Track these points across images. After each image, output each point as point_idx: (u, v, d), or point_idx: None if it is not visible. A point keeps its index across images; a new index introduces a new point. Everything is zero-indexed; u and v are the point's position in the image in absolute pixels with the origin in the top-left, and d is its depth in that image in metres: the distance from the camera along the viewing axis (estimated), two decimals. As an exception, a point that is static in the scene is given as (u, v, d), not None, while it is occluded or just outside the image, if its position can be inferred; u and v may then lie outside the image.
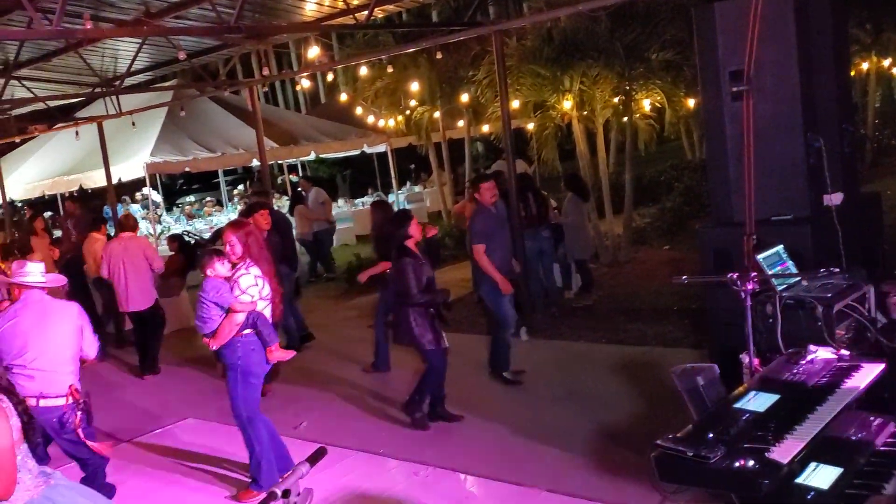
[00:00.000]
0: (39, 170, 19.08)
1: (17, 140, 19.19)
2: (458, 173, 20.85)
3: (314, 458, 2.14)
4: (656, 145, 15.39)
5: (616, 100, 11.77)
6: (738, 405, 3.28)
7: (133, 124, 15.67)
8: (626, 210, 12.41)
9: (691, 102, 13.13)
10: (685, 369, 3.99)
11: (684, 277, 4.42)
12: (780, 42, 5.54)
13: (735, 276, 3.88)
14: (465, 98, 16.34)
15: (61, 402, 4.96)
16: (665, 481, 3.04)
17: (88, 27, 7.47)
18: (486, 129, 18.49)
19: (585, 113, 11.81)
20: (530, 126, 13.66)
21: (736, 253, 5.00)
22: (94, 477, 5.31)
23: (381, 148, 21.10)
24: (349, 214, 19.47)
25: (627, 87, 11.54)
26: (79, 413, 4.99)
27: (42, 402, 4.91)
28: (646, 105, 12.03)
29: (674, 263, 11.14)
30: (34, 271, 5.14)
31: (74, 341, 5.18)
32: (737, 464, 2.80)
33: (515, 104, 12.33)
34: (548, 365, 7.74)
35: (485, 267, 7.17)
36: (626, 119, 12.18)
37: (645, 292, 9.93)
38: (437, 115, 18.19)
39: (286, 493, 1.88)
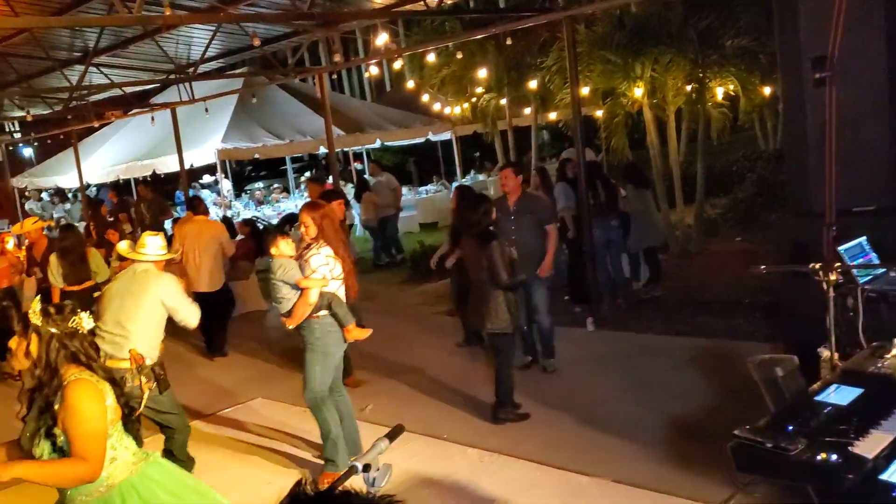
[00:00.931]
0: (115, 154, 19.65)
1: (95, 125, 19.83)
2: (524, 162, 20.70)
3: (393, 435, 2.15)
4: (729, 134, 15.02)
5: (689, 87, 11.53)
6: (819, 398, 3.20)
7: (206, 111, 16.00)
8: (697, 200, 12.15)
9: (766, 90, 12.77)
10: (763, 360, 3.90)
11: (763, 267, 4.31)
12: (867, 26, 5.34)
13: (818, 266, 3.76)
14: (532, 85, 16.16)
15: (124, 364, 5.06)
16: (741, 472, 2.98)
17: (168, 14, 7.63)
18: (553, 116, 18.28)
19: (656, 101, 11.60)
20: (598, 114, 13.49)
21: (815, 244, 4.85)
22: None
23: (445, 136, 21.10)
24: (413, 202, 19.48)
25: (700, 75, 11.29)
26: (142, 378, 5.07)
27: (106, 363, 5.05)
28: (719, 93, 11.76)
29: (746, 255, 10.87)
30: (150, 244, 5.43)
31: (155, 312, 5.29)
32: (819, 457, 2.72)
33: (584, 91, 12.18)
34: (614, 356, 7.64)
35: None
36: (698, 107, 11.92)
37: (716, 284, 9.71)
38: (503, 102, 18.07)
39: (367, 468, 1.89)
